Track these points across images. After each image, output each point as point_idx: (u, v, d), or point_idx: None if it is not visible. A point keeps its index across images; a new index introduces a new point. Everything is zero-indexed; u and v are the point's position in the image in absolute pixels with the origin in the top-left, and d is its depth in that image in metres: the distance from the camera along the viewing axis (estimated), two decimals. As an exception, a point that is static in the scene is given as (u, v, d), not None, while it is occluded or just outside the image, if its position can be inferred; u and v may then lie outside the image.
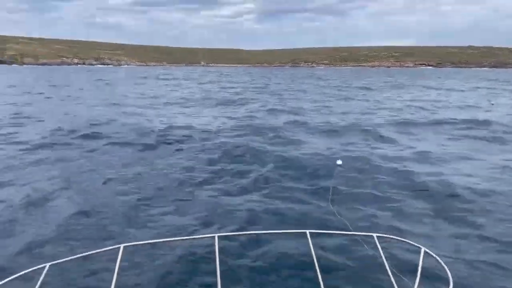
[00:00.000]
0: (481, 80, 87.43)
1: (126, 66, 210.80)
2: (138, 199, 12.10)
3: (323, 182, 12.55)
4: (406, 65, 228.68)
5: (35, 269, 4.74)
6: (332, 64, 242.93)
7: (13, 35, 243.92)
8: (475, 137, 20.28)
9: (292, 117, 26.51)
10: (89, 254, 5.54)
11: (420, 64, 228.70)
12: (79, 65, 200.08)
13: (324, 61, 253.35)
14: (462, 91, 54.60)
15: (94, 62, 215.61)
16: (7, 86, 54.97)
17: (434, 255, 5.05)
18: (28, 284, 4.54)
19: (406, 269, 5.01)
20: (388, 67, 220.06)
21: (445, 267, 4.83)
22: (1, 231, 10.34)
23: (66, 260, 5.31)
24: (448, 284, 4.51)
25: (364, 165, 14.32)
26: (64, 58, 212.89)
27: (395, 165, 14.41)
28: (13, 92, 44.97)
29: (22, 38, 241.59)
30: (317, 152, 16.65)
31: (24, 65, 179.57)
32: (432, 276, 5.05)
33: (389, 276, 4.74)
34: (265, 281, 6.85)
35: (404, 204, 10.50)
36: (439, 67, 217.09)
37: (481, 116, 27.55)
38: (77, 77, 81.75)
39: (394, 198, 10.96)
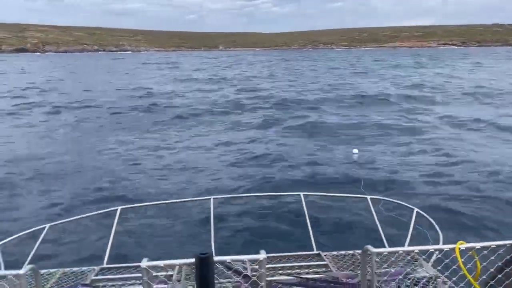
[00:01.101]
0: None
1: (145, 52, 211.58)
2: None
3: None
4: (429, 45, 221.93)
5: (35, 230, 5.00)
6: (352, 46, 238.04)
7: (33, 23, 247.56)
8: None
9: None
10: (87, 216, 5.79)
11: (444, 44, 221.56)
12: (99, 52, 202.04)
13: (344, 43, 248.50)
14: None
15: (114, 49, 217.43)
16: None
17: (426, 215, 5.14)
18: (28, 243, 4.81)
19: (398, 228, 5.12)
20: (410, 47, 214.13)
21: (437, 227, 4.91)
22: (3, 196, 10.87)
23: (65, 222, 5.58)
24: (438, 241, 4.62)
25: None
26: (84, 45, 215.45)
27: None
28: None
29: (43, 26, 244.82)
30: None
31: (46, 53, 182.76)
32: (424, 236, 5.15)
33: (380, 235, 4.87)
34: (257, 240, 7.04)
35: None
36: (465, 46, 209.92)
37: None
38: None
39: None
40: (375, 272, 2.59)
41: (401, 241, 4.86)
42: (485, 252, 2.52)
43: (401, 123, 18.65)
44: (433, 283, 3.54)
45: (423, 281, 3.50)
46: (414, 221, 4.92)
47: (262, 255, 2.52)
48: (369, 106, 24.47)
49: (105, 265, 4.40)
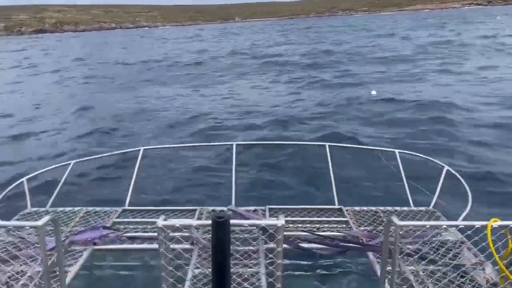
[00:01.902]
0: None
1: (162, 27, 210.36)
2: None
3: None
4: (453, 5, 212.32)
5: (61, 165, 5.14)
6: (372, 11, 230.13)
7: (51, 3, 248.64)
8: None
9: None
10: (111, 155, 5.94)
11: (469, 4, 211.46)
12: (116, 29, 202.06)
13: (364, 8, 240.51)
14: None
15: (131, 25, 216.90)
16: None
17: (457, 174, 4.92)
18: (54, 178, 4.93)
19: (426, 186, 4.91)
20: (432, 9, 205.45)
21: (467, 187, 4.70)
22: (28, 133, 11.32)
23: (89, 159, 5.73)
24: (467, 205, 4.43)
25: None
26: (102, 23, 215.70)
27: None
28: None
29: (60, 5, 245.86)
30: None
31: (65, 33, 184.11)
32: (452, 195, 4.95)
33: (405, 190, 4.72)
34: (279, 190, 6.94)
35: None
36: (491, 5, 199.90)
37: None
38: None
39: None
40: (398, 244, 2.49)
41: (427, 200, 4.68)
42: None
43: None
44: (457, 248, 3.42)
45: (448, 245, 3.37)
46: (443, 179, 4.73)
47: (281, 221, 2.45)
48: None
49: (126, 207, 4.51)
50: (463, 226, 2.89)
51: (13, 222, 3.53)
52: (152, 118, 13.44)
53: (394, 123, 11.18)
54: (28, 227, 3.01)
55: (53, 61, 39.40)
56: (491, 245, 2.41)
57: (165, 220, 2.47)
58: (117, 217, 4.25)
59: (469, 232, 2.63)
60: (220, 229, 2.06)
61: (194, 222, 2.47)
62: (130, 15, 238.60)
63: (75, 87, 23.07)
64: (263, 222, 2.67)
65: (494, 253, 2.45)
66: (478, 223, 2.49)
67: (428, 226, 2.72)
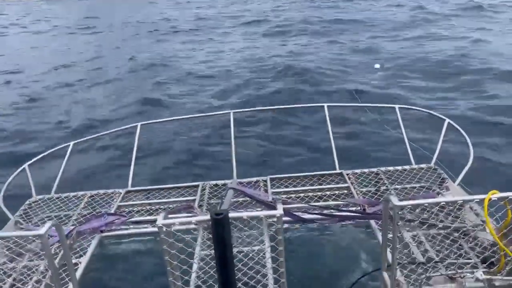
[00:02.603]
0: None
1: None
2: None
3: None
4: None
5: (60, 148, 5.10)
6: None
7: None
8: None
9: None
10: (109, 133, 5.88)
11: None
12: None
13: None
14: None
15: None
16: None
17: (459, 127, 4.84)
18: (56, 161, 4.90)
19: (428, 140, 4.87)
20: None
21: (468, 140, 4.64)
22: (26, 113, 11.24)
23: (88, 139, 5.68)
24: (468, 158, 4.41)
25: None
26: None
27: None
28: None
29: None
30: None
31: None
32: (453, 148, 4.93)
33: (406, 147, 4.68)
34: (279, 157, 6.93)
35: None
36: None
37: None
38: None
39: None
40: (398, 224, 2.47)
41: (429, 156, 4.66)
42: None
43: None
44: (459, 208, 3.42)
45: (447, 207, 3.37)
46: (445, 133, 4.67)
47: (279, 211, 2.44)
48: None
49: (130, 188, 4.50)
50: (461, 201, 2.87)
51: (16, 233, 3.50)
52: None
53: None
54: (30, 237, 2.98)
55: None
56: (487, 218, 2.41)
57: (164, 218, 2.44)
58: (121, 200, 4.25)
59: (468, 197, 2.63)
60: (220, 226, 2.07)
61: (193, 219, 2.45)
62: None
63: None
64: (262, 213, 2.65)
65: (489, 227, 2.46)
66: (477, 197, 2.49)
67: (426, 204, 2.71)
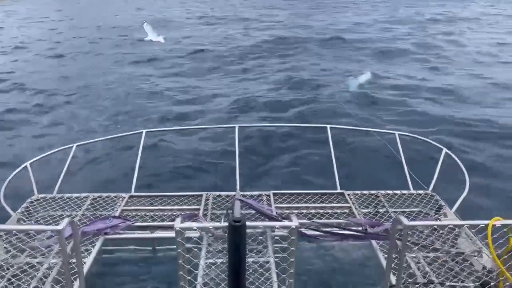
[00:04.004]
0: None
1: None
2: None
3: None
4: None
5: (63, 149, 5.10)
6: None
7: None
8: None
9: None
10: (113, 137, 5.90)
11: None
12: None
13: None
14: None
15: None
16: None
17: (455, 157, 5.01)
18: (57, 162, 4.90)
19: (425, 168, 4.98)
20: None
21: (464, 170, 4.80)
22: (28, 115, 11.12)
23: (92, 142, 5.68)
24: (464, 188, 4.55)
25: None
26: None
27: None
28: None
29: None
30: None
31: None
32: (450, 178, 5.06)
33: (405, 173, 4.81)
34: (282, 174, 7.00)
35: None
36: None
37: None
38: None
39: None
40: (406, 243, 2.57)
41: (426, 182, 4.79)
42: None
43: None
44: (456, 234, 3.53)
45: (446, 233, 3.48)
46: (442, 162, 4.82)
47: (294, 223, 2.51)
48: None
49: (133, 193, 4.52)
50: (468, 226, 2.98)
51: (33, 226, 3.52)
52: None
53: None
54: (49, 231, 3.01)
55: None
56: (490, 244, 2.51)
57: (181, 222, 2.50)
58: (125, 205, 4.28)
59: (471, 222, 2.72)
60: (237, 233, 2.08)
61: (210, 224, 2.52)
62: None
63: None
64: (278, 224, 2.73)
65: (493, 251, 2.55)
66: (481, 222, 2.58)
67: (434, 226, 2.80)
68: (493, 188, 6.64)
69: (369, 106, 11.10)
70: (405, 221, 2.50)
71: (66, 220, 2.44)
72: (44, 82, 15.31)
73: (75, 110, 11.60)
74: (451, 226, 3.11)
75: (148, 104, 11.76)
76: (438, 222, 2.83)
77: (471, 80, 14.07)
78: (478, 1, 47.37)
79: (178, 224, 2.45)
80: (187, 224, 2.55)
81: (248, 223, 2.16)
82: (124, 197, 4.41)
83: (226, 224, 2.17)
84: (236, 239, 2.08)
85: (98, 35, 27.37)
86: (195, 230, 2.63)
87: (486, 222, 2.52)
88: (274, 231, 3.24)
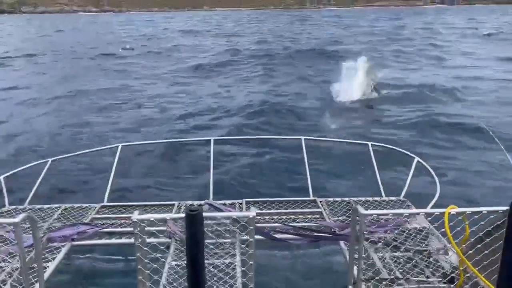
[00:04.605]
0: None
1: (127, 12, 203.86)
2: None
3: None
4: (418, 3, 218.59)
5: (38, 163, 4.99)
6: (341, 4, 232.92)
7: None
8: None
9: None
10: (89, 152, 5.80)
11: (432, 2, 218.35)
12: (79, 13, 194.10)
13: (332, 1, 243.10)
14: None
15: (94, 9, 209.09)
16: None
17: (427, 165, 5.13)
18: (32, 176, 4.77)
19: (398, 177, 5.12)
20: (397, 6, 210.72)
21: (435, 177, 4.91)
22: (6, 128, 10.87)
23: (67, 156, 5.57)
24: (435, 194, 4.64)
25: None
26: (64, 6, 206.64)
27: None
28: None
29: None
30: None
31: (24, 14, 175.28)
32: (421, 186, 5.16)
33: (377, 181, 4.88)
34: (256, 183, 6.98)
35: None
36: (452, 4, 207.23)
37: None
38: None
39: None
40: (364, 232, 2.63)
41: (398, 190, 4.87)
42: (476, 217, 2.53)
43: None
44: (424, 235, 3.58)
45: (414, 233, 3.52)
46: (414, 170, 4.93)
47: (252, 212, 2.54)
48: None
49: (105, 203, 4.44)
50: (423, 214, 3.04)
51: None
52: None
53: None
54: (5, 224, 2.91)
55: None
56: (448, 231, 2.55)
57: (140, 214, 2.46)
58: (95, 213, 4.20)
59: (430, 219, 2.81)
60: (194, 221, 2.06)
61: (167, 215, 2.47)
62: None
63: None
64: (235, 214, 2.72)
65: (451, 238, 2.60)
66: (437, 210, 2.65)
67: (390, 215, 2.85)
68: (464, 192, 6.80)
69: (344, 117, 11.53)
70: (361, 209, 2.54)
71: (23, 214, 2.37)
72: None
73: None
74: (407, 214, 3.14)
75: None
76: (394, 211, 2.88)
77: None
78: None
79: (135, 215, 2.42)
80: (145, 216, 2.49)
81: (205, 213, 2.12)
82: (96, 207, 4.32)
83: (183, 215, 2.13)
84: (193, 227, 2.05)
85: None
86: (154, 221, 2.56)
87: (442, 210, 2.57)
88: (242, 235, 3.21)
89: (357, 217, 2.59)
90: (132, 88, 17.37)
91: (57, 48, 35.29)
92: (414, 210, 3.48)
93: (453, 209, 2.53)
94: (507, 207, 2.13)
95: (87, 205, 4.36)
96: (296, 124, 10.94)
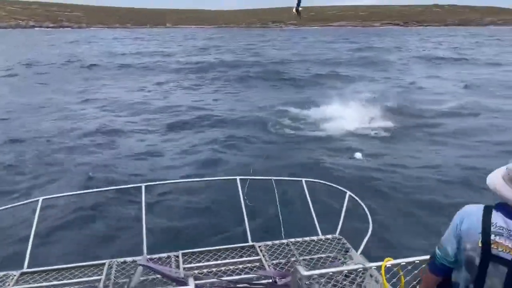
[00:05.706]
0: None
1: (87, 29, 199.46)
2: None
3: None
4: (374, 24, 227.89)
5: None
6: (301, 24, 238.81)
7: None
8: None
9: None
10: (5, 208, 5.08)
11: (387, 24, 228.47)
12: (35, 28, 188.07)
13: (293, 21, 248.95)
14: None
15: (51, 25, 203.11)
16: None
17: (359, 200, 5.30)
18: None
19: (332, 213, 5.24)
20: (355, 26, 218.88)
21: (367, 212, 5.09)
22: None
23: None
24: (368, 229, 4.79)
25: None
26: (19, 21, 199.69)
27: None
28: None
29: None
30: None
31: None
32: (355, 220, 5.32)
33: (313, 218, 4.98)
34: (187, 223, 6.87)
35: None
36: (406, 26, 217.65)
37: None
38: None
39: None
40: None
41: (333, 226, 4.99)
42: (409, 267, 2.74)
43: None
44: (361, 276, 3.67)
45: (353, 275, 3.61)
46: (346, 204, 5.06)
47: (191, 286, 2.59)
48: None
49: (25, 269, 4.08)
50: (361, 268, 3.14)
51: None
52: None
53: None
54: None
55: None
56: (385, 284, 2.72)
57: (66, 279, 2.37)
58: (14, 284, 3.82)
59: (368, 264, 2.96)
60: None
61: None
62: (51, 14, 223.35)
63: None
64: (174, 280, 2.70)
65: None
66: (374, 264, 2.77)
67: (331, 273, 2.92)
68: (395, 225, 7.06)
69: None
70: (302, 270, 2.60)
71: None
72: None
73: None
74: (346, 271, 3.24)
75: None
76: (333, 269, 2.92)
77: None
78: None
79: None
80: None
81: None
82: (15, 275, 3.94)
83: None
84: None
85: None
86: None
87: (379, 263, 2.70)
88: None
89: (298, 279, 2.64)
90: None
91: None
92: (351, 267, 3.58)
93: (389, 262, 2.73)
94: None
95: (4, 273, 3.98)
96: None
